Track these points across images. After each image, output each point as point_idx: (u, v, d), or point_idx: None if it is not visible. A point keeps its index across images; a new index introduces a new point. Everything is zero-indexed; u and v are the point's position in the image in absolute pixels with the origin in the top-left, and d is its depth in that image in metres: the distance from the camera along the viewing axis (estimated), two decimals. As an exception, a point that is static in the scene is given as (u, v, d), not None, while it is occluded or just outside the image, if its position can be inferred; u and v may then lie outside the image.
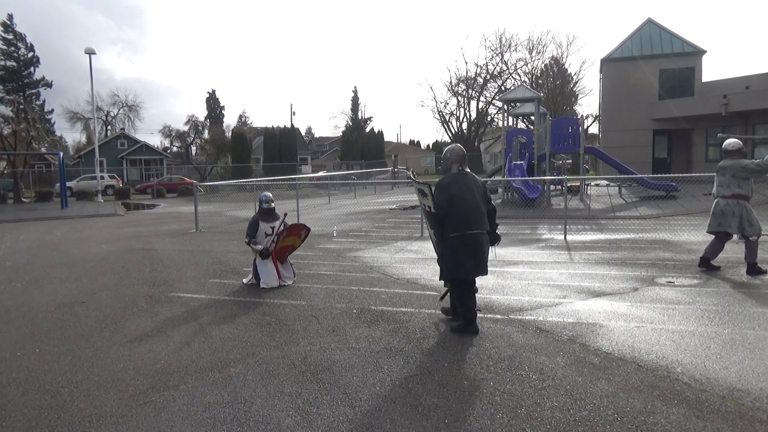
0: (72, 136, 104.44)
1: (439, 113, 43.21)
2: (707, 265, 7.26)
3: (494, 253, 5.95)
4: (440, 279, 5.26)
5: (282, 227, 7.11)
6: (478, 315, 5.08)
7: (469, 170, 5.09)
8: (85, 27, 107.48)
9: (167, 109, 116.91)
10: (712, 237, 7.25)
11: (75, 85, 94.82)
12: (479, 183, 5.06)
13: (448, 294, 5.29)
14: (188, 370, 4.28)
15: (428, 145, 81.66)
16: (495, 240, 5.21)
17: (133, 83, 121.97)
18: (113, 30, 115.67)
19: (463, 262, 4.81)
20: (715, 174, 7.29)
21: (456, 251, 4.82)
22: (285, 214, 7.22)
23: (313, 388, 3.84)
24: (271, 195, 7.40)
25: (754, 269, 6.90)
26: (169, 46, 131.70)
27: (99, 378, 4.19)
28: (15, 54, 54.93)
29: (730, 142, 7.21)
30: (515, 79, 41.15)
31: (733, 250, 8.52)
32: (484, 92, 41.94)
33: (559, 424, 3.19)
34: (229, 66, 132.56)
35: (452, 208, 4.81)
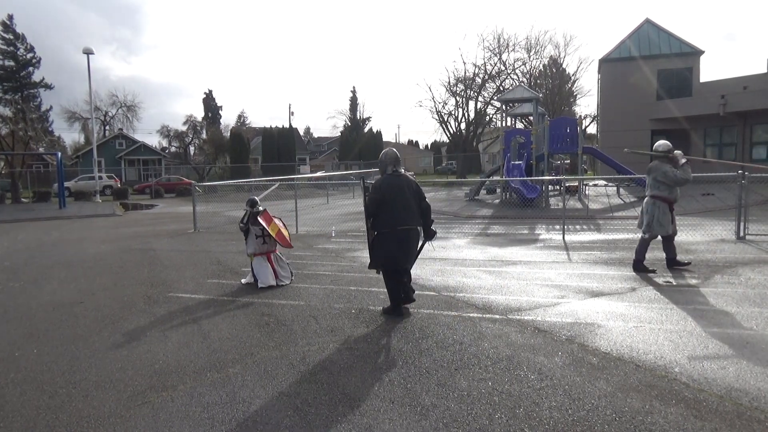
0: (70, 136, 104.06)
1: (437, 113, 43.07)
2: (675, 263, 7.31)
3: (432, 246, 6.43)
4: (369, 268, 5.77)
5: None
6: (414, 301, 5.71)
7: (402, 171, 5.62)
8: (78, 26, 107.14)
9: (165, 110, 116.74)
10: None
11: (68, 83, 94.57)
12: (412, 183, 5.59)
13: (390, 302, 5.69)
14: (186, 371, 4.27)
15: (427, 145, 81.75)
16: (431, 235, 5.70)
17: (130, 83, 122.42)
18: (106, 29, 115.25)
19: (393, 255, 5.42)
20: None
21: (387, 244, 5.43)
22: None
23: (311, 389, 3.84)
24: (256, 198, 7.45)
25: (640, 266, 7.15)
26: (166, 46, 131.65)
27: (97, 378, 4.19)
28: (14, 54, 54.87)
29: (660, 143, 7.30)
30: (513, 80, 41.05)
31: (731, 251, 8.55)
32: (483, 92, 41.85)
33: (557, 424, 3.19)
34: (227, 66, 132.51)
35: (383, 207, 5.40)
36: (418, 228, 5.54)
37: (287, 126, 51.11)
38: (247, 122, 66.61)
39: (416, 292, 6.22)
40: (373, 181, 5.68)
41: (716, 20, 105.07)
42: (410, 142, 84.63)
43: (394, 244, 5.39)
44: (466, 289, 6.56)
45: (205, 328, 5.40)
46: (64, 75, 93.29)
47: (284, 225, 7.60)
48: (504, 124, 24.05)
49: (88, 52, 27.50)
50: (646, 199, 7.19)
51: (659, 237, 7.16)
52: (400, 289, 5.57)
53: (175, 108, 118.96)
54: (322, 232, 12.69)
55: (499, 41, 40.64)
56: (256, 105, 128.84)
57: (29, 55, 55.79)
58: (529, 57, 41.97)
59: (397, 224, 5.37)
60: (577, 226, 12.37)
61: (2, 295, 7.24)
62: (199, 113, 65.97)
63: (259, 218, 7.15)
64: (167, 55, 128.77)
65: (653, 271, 7.10)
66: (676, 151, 7.20)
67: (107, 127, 60.99)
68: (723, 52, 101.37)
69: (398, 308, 5.57)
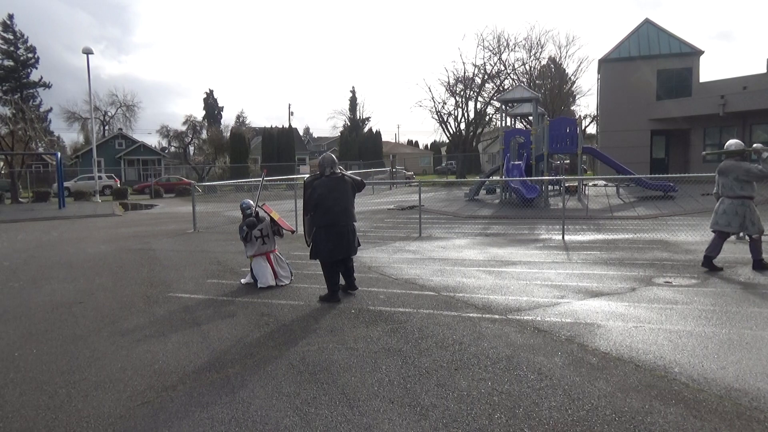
0: (69, 136, 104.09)
1: (437, 113, 42.96)
2: (710, 264, 7.23)
3: None
4: (310, 258, 6.40)
5: (264, 213, 7.39)
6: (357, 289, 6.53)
7: (339, 172, 6.26)
8: (67, 24, 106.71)
9: (163, 110, 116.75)
10: (713, 235, 7.28)
11: (58, 82, 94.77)
12: (347, 182, 6.26)
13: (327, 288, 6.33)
14: (186, 371, 4.27)
15: (426, 145, 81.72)
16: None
17: (122, 82, 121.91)
18: (95, 27, 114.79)
19: (329, 248, 6.10)
20: (716, 174, 7.27)
21: (324, 238, 6.11)
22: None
23: (311, 389, 3.84)
24: (251, 201, 7.44)
25: (760, 264, 7.01)
26: (159, 45, 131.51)
27: (97, 378, 4.19)
28: (14, 54, 54.87)
29: (732, 142, 7.19)
30: (513, 80, 40.96)
31: (731, 251, 8.54)
32: (482, 92, 41.74)
33: (557, 424, 3.19)
34: (225, 66, 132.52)
35: (320, 205, 6.06)
36: (354, 223, 6.29)
37: (287, 126, 51.09)
38: (246, 122, 66.58)
39: (415, 292, 6.24)
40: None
41: (713, 20, 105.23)
42: (410, 142, 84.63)
43: (331, 238, 6.09)
44: (465, 289, 6.56)
45: (205, 328, 5.39)
46: (54, 74, 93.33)
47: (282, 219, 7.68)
48: (504, 124, 24.05)
49: (87, 52, 27.45)
50: (731, 200, 6.96)
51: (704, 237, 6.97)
52: (338, 278, 6.30)
53: (173, 108, 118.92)
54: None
55: (498, 41, 40.57)
56: (256, 105, 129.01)
57: (29, 55, 55.80)
58: (529, 57, 41.92)
59: (333, 221, 6.09)
60: (577, 226, 12.37)
61: (2, 294, 7.23)
62: (198, 113, 66.05)
63: (263, 209, 7.35)
64: (161, 54, 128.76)
65: None
66: (756, 145, 7.06)
67: (107, 127, 60.98)
68: (720, 51, 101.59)
69: (335, 295, 6.21)
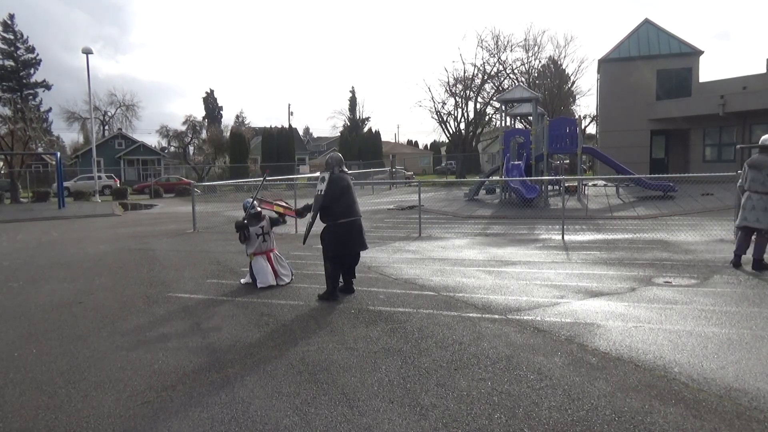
0: (69, 136, 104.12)
1: (436, 113, 42.97)
2: (740, 263, 7.24)
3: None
4: (324, 254, 6.36)
5: (269, 208, 7.50)
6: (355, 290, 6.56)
7: (346, 169, 6.49)
8: (63, 23, 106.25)
9: (165, 110, 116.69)
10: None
11: (55, 81, 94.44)
12: (351, 181, 6.50)
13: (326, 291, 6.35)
14: (186, 371, 4.27)
15: (426, 145, 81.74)
16: (301, 213, 7.15)
17: (119, 81, 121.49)
18: (92, 27, 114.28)
19: (346, 242, 6.25)
20: (746, 167, 7.21)
21: (342, 233, 6.22)
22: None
23: (311, 389, 3.84)
24: (253, 200, 7.46)
25: (760, 264, 7.01)
26: (156, 45, 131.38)
27: (96, 378, 4.19)
28: (14, 54, 54.87)
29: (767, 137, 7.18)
30: (512, 79, 40.95)
31: (730, 251, 8.54)
32: (482, 92, 41.75)
33: (556, 424, 3.19)
34: (225, 66, 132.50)
35: (337, 201, 6.21)
36: (361, 219, 6.48)
37: (287, 126, 51.06)
38: (246, 122, 66.61)
39: (414, 292, 6.23)
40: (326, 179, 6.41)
41: (712, 20, 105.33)
42: (409, 142, 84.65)
43: (346, 233, 6.23)
44: (465, 289, 6.56)
45: (205, 328, 5.39)
46: (53, 74, 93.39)
47: (282, 204, 7.73)
48: (503, 124, 24.04)
49: (87, 52, 27.48)
50: (759, 196, 6.89)
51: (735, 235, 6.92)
52: (339, 276, 6.36)
53: (173, 108, 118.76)
54: (322, 232, 12.67)
55: (497, 41, 40.58)
56: (255, 105, 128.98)
57: (30, 56, 55.80)
58: (528, 57, 41.95)
59: (347, 216, 6.25)
60: (577, 226, 12.37)
61: (1, 294, 7.23)
62: (198, 113, 66.03)
63: (263, 209, 7.38)
64: (159, 54, 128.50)
65: None
66: None
67: (106, 127, 60.98)
68: (720, 51, 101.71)
69: (335, 292, 6.28)
